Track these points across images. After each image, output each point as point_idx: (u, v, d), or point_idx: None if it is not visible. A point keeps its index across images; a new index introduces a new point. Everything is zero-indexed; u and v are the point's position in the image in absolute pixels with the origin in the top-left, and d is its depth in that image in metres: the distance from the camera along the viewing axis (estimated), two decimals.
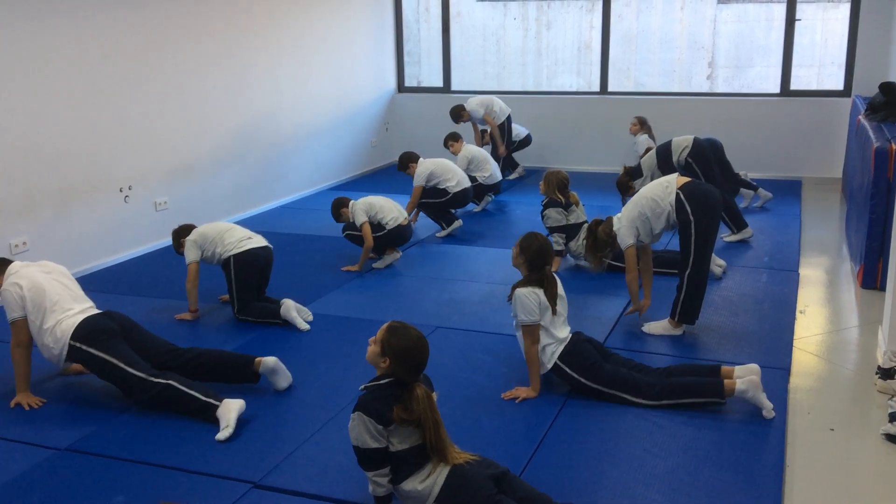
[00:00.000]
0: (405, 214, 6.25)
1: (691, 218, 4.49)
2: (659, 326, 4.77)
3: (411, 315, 4.99)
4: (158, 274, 6.14)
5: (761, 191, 7.69)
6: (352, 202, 6.16)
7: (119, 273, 6.21)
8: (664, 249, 6.09)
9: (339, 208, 6.19)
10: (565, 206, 5.87)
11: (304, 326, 4.93)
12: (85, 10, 5.97)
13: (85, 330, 3.94)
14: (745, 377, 3.75)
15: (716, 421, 3.71)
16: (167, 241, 6.10)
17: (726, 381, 3.76)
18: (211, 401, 3.77)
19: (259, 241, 5.14)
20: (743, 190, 7.69)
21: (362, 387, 2.95)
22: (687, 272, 4.59)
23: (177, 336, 4.72)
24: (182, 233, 5.22)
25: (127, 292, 5.72)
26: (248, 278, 5.04)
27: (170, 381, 3.83)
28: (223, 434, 3.66)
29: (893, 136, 5.47)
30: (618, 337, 4.69)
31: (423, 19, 10.90)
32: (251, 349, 4.62)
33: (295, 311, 4.96)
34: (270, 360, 4.06)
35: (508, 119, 9.00)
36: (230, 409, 3.73)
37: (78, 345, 3.92)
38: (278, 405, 4.00)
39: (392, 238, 6.14)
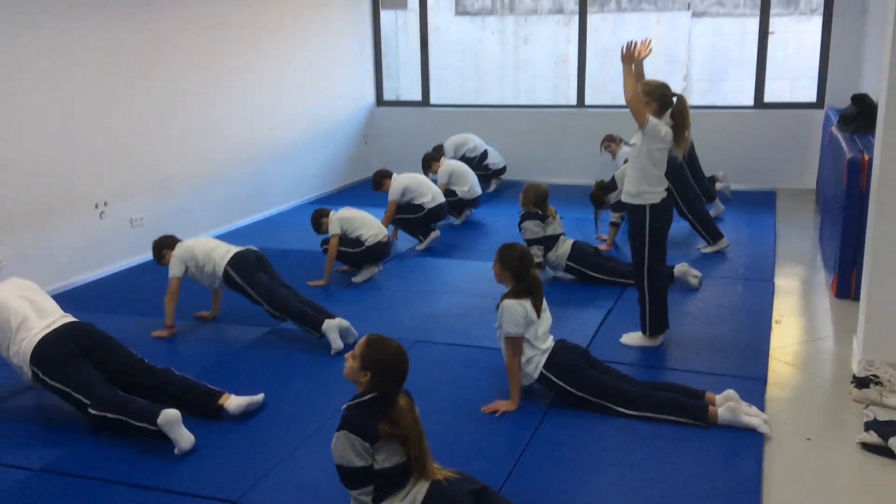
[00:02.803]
0: (385, 231, 6.25)
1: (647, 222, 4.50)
2: (636, 338, 4.80)
3: (391, 329, 4.96)
4: (135, 291, 6.09)
5: (717, 202, 7.77)
6: (331, 212, 6.16)
7: (95, 290, 6.15)
8: (618, 259, 6.15)
9: (319, 219, 6.20)
10: (542, 219, 5.90)
11: (337, 347, 4.75)
12: (59, 25, 5.94)
13: (40, 353, 3.87)
14: (724, 404, 3.77)
15: (695, 432, 3.72)
16: (143, 257, 6.06)
17: (710, 408, 3.78)
18: (145, 425, 3.67)
19: (238, 248, 5.14)
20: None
21: (345, 405, 2.93)
22: (645, 283, 4.62)
23: (151, 354, 4.68)
24: (164, 244, 5.18)
25: (103, 310, 5.65)
26: (253, 276, 4.98)
27: (111, 415, 3.72)
28: (181, 448, 3.63)
29: (866, 146, 5.55)
30: (597, 349, 4.70)
31: (401, 33, 10.95)
32: (225, 366, 4.60)
33: (336, 332, 4.77)
34: (233, 404, 3.95)
35: (484, 154, 9.00)
36: (169, 431, 3.63)
37: (35, 370, 3.88)
38: (255, 423, 3.97)
39: (371, 254, 6.14)
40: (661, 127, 4.41)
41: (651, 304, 4.66)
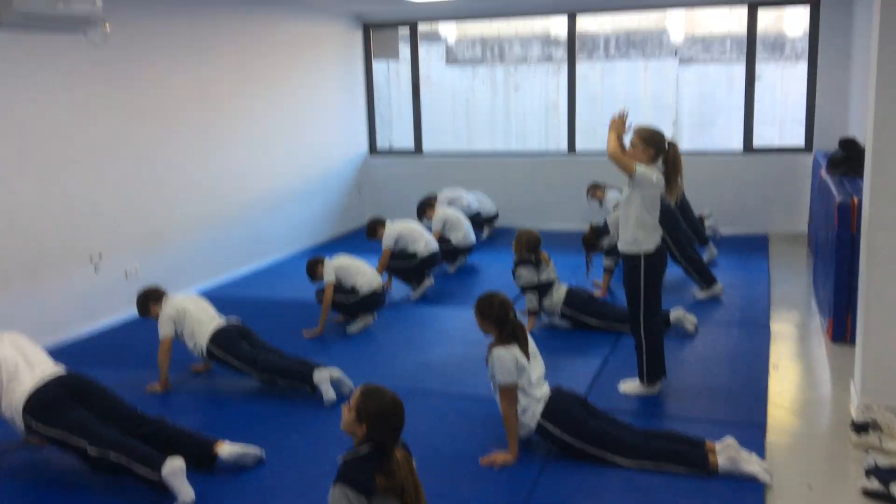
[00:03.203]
0: (380, 280, 6.25)
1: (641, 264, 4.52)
2: (633, 386, 4.78)
3: (387, 379, 4.93)
4: (129, 344, 6.05)
5: (710, 246, 7.81)
6: (326, 260, 6.17)
7: (90, 344, 6.11)
8: (614, 305, 6.16)
9: (314, 267, 6.20)
10: (536, 265, 5.91)
11: (329, 398, 4.70)
12: (52, 79, 6.00)
13: (34, 403, 3.85)
14: (724, 453, 3.75)
15: (695, 482, 3.69)
16: None
17: (710, 456, 3.75)
18: (153, 478, 3.62)
19: (221, 321, 5.11)
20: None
21: (341, 457, 2.90)
22: (641, 330, 4.62)
23: (146, 409, 4.64)
24: (150, 297, 5.16)
25: (98, 364, 5.61)
26: (235, 347, 4.96)
27: (111, 458, 3.69)
28: (182, 501, 3.59)
29: (855, 190, 5.60)
30: (595, 397, 4.67)
31: (393, 83, 11.07)
32: (220, 420, 4.55)
33: (328, 382, 4.72)
34: (227, 451, 3.92)
35: (476, 214, 9.02)
36: (173, 481, 3.60)
37: (29, 420, 3.85)
38: (251, 476, 3.92)
39: (366, 303, 6.13)
40: (651, 173, 4.45)
41: (648, 351, 4.65)
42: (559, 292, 5.95)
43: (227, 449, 3.93)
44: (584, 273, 7.07)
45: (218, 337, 4.98)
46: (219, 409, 4.78)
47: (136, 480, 3.70)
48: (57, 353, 5.81)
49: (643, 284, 4.55)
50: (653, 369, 4.69)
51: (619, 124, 4.47)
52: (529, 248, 5.95)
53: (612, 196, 8.50)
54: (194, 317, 5.06)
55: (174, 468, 3.61)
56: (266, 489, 3.80)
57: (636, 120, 4.73)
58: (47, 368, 4.04)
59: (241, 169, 8.11)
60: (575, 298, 5.94)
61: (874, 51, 4.13)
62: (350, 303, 6.09)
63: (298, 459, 4.09)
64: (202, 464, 3.91)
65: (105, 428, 3.84)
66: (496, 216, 9.40)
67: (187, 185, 7.38)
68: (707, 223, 8.28)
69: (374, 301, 6.17)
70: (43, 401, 3.85)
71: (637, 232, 4.49)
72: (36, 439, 4.20)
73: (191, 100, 7.38)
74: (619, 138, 4.46)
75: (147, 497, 3.69)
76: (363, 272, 6.15)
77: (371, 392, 2.91)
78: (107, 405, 3.99)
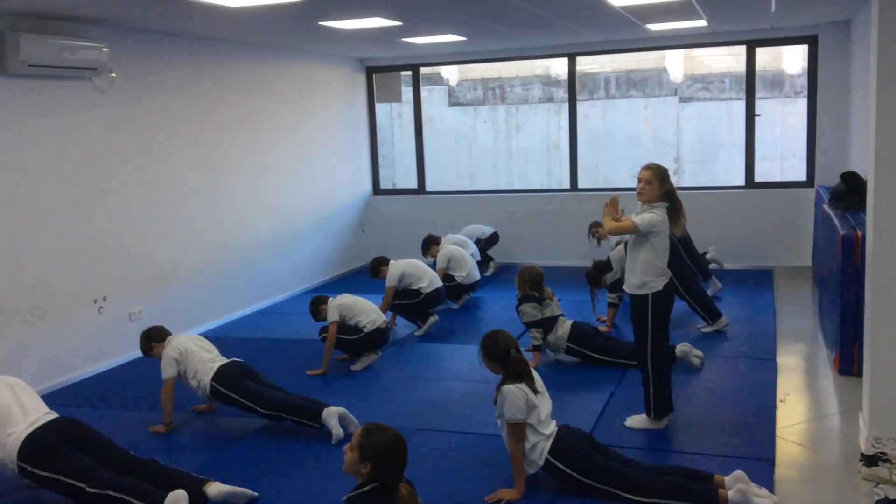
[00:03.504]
0: (383, 317, 6.25)
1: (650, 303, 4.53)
2: (641, 420, 4.74)
3: (392, 417, 4.92)
4: (133, 385, 6.03)
5: (714, 280, 7.82)
6: (330, 299, 6.17)
7: (94, 385, 6.09)
8: (619, 339, 6.15)
9: (317, 306, 6.20)
10: (540, 301, 5.90)
11: (338, 435, 4.67)
12: (60, 123, 6.07)
13: (28, 449, 3.85)
14: (734, 487, 3.71)
15: None
16: None
17: (720, 491, 3.71)
18: None
19: (223, 360, 5.11)
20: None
21: (345, 498, 2.87)
22: (648, 365, 4.61)
23: (150, 449, 4.61)
24: (152, 336, 5.16)
25: (101, 405, 5.60)
26: (240, 384, 4.94)
27: (111, 493, 3.71)
28: None
29: (858, 223, 5.61)
30: (601, 432, 4.64)
31: (396, 124, 11.20)
32: (224, 460, 4.52)
33: (336, 419, 4.71)
34: (215, 490, 3.90)
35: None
36: None
37: (23, 465, 3.84)
38: None
39: (370, 341, 6.12)
40: (652, 217, 4.47)
41: (655, 386, 4.63)
42: (564, 327, 5.94)
43: (215, 489, 3.91)
44: (590, 309, 7.07)
45: (221, 375, 4.97)
46: (222, 449, 4.75)
47: None
48: (61, 395, 5.83)
49: (651, 321, 4.55)
50: (660, 404, 4.66)
51: (611, 210, 4.55)
52: (532, 284, 5.95)
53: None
54: (197, 356, 5.05)
55: (177, 497, 3.62)
56: None
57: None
58: (41, 415, 4.06)
59: (246, 210, 8.16)
60: (580, 333, 5.93)
61: (873, 84, 4.17)
62: (354, 340, 6.08)
63: (304, 499, 4.05)
64: (195, 502, 3.88)
65: (102, 469, 3.85)
66: (495, 236, 9.37)
67: (192, 226, 7.42)
68: (709, 256, 8.29)
69: (378, 339, 6.16)
70: (38, 445, 3.86)
71: (644, 276, 4.51)
72: (30, 482, 4.18)
73: (196, 142, 7.46)
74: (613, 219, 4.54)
75: None
76: (367, 310, 6.15)
77: (372, 430, 2.90)
78: (100, 449, 4.01)
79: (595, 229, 8.24)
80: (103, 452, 3.99)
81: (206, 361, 5.04)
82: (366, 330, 6.06)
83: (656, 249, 4.51)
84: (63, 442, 3.90)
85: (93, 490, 3.72)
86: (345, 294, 6.32)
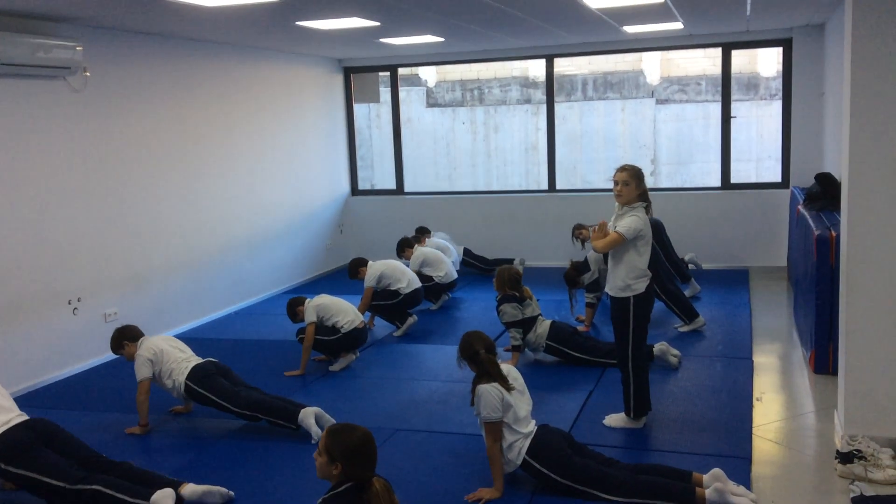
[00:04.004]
0: (361, 318, 6.23)
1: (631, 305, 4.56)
2: (619, 419, 4.76)
3: (370, 418, 4.91)
4: (108, 387, 5.96)
5: (693, 282, 7.87)
6: (307, 301, 6.14)
7: (68, 387, 6.02)
8: (598, 339, 6.19)
9: (294, 307, 6.17)
10: (520, 301, 5.91)
11: (317, 434, 4.63)
12: (34, 123, 5.99)
13: (3, 447, 3.82)
14: (712, 485, 3.73)
15: None
16: None
17: (697, 490, 3.73)
18: (139, 501, 3.68)
19: (198, 359, 5.08)
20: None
21: (320, 500, 2.85)
22: (630, 365, 4.64)
23: (127, 451, 4.57)
24: (125, 335, 5.09)
25: (76, 407, 5.53)
26: (214, 383, 4.91)
27: (95, 486, 3.73)
28: None
29: (832, 223, 5.67)
30: (580, 431, 4.65)
31: (374, 125, 11.17)
32: (201, 461, 4.48)
33: (312, 418, 4.70)
34: (189, 490, 3.90)
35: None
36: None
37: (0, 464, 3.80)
38: None
39: (348, 342, 6.09)
40: (637, 222, 4.49)
41: (635, 385, 4.65)
42: (543, 326, 5.96)
43: (189, 489, 3.91)
44: (569, 309, 7.10)
45: (196, 374, 4.93)
46: (200, 450, 4.70)
47: None
48: (35, 396, 5.75)
49: (633, 323, 4.57)
50: (639, 404, 4.68)
51: (599, 236, 4.57)
52: (512, 284, 5.96)
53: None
54: (171, 356, 5.02)
55: (165, 494, 3.65)
56: None
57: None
58: (14, 415, 4.01)
59: (223, 211, 8.10)
60: (559, 332, 5.95)
61: (846, 87, 4.22)
62: (332, 341, 6.06)
63: (281, 501, 4.02)
64: None
65: (80, 468, 3.84)
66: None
67: (167, 227, 7.35)
68: (687, 258, 8.35)
69: (355, 339, 6.14)
70: (13, 444, 3.83)
71: (628, 278, 4.53)
72: (8, 484, 4.13)
73: (171, 143, 7.40)
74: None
75: None
76: (345, 311, 6.12)
77: (338, 431, 2.89)
78: (74, 450, 3.99)
79: (578, 231, 8.28)
80: (77, 453, 3.97)
81: (181, 361, 5.00)
82: (343, 330, 6.04)
83: (640, 251, 4.54)
84: (37, 441, 3.87)
85: (73, 487, 3.70)
86: (322, 294, 6.29)
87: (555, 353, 5.97)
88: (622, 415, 4.76)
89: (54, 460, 3.82)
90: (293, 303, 6.20)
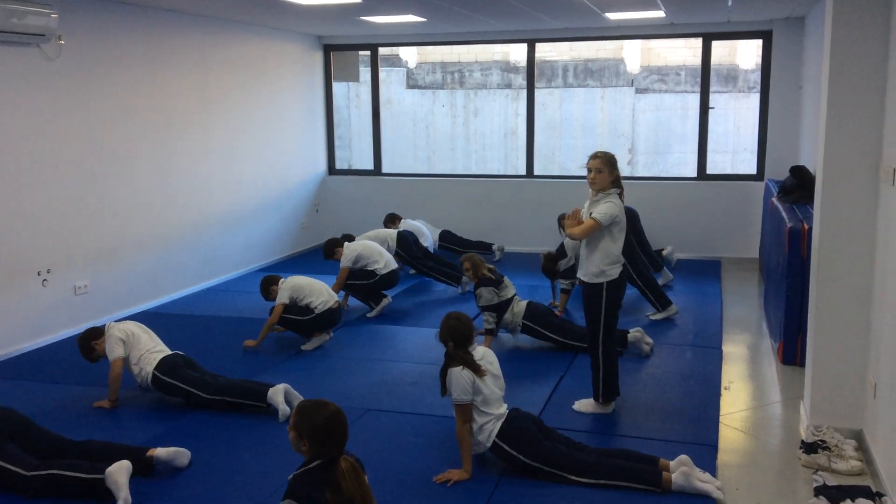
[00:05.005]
0: (335, 297, 6.20)
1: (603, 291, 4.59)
2: (588, 404, 4.80)
3: (342, 397, 4.90)
4: (77, 360, 5.85)
5: (665, 270, 7.94)
6: (281, 280, 6.10)
7: (36, 359, 5.95)
8: (572, 322, 6.23)
9: (268, 286, 6.14)
10: (497, 285, 5.92)
11: (284, 412, 4.66)
12: (5, 91, 5.88)
13: None
14: (678, 469, 3.78)
15: (649, 499, 3.71)
16: (87, 325, 5.89)
17: (664, 474, 3.78)
18: (95, 476, 3.72)
19: (168, 351, 5.06)
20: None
21: (291, 475, 2.85)
22: (600, 350, 4.67)
23: (94, 425, 4.53)
24: (92, 336, 5.05)
25: (44, 379, 5.47)
26: (181, 373, 4.91)
27: (51, 471, 3.75)
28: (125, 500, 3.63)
29: (805, 216, 5.73)
30: (549, 416, 4.68)
31: (353, 105, 11.09)
32: (171, 438, 4.45)
33: (282, 396, 4.72)
34: (163, 452, 4.00)
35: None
36: (117, 478, 3.68)
37: None
38: (204, 494, 3.83)
39: (321, 322, 6.07)
40: (612, 208, 4.50)
41: (605, 371, 4.69)
42: (519, 306, 5.98)
43: (159, 451, 4.00)
44: (544, 294, 7.13)
45: (164, 365, 4.93)
46: (168, 426, 4.67)
47: (76, 492, 3.71)
48: (3, 368, 5.68)
49: (604, 309, 4.60)
50: (608, 389, 4.73)
51: (574, 223, 4.58)
52: (487, 267, 5.99)
53: None
54: (142, 341, 5.01)
55: (120, 466, 3.69)
56: None
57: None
58: None
59: (197, 186, 8.02)
60: (535, 311, 5.98)
61: (825, 81, 4.25)
62: (305, 321, 6.03)
63: (251, 477, 4.02)
64: (140, 471, 3.90)
65: (39, 456, 3.87)
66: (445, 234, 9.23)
67: (140, 200, 7.26)
68: (665, 253, 8.42)
69: (329, 319, 6.12)
70: None
71: (602, 264, 4.55)
72: None
73: (145, 114, 7.29)
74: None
75: None
76: (318, 291, 6.10)
77: (307, 408, 2.88)
78: (37, 436, 4.01)
79: (564, 221, 8.31)
80: (40, 438, 3.99)
81: (151, 351, 4.99)
82: (317, 311, 6.02)
83: (614, 237, 4.56)
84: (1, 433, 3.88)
85: (29, 473, 3.72)
86: (297, 276, 6.26)
87: (531, 333, 5.98)
88: (591, 400, 4.80)
89: (14, 449, 3.83)
90: (268, 281, 6.17)
